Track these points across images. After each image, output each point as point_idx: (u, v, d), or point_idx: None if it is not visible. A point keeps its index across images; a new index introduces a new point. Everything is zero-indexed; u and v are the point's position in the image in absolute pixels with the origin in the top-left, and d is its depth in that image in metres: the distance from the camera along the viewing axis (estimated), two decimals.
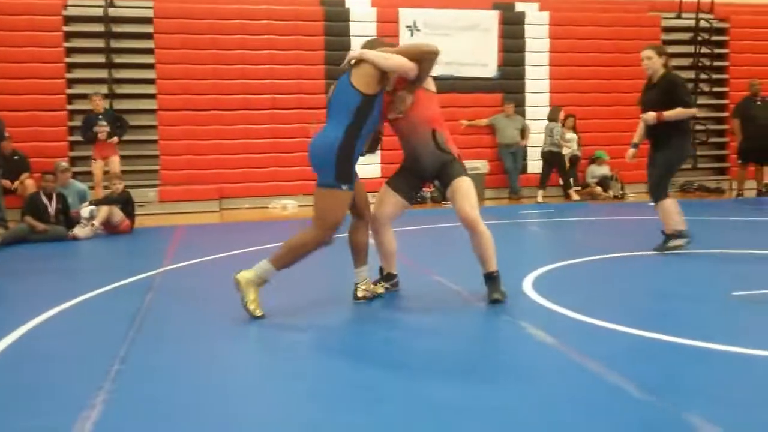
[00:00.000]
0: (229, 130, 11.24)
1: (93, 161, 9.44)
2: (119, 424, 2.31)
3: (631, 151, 6.16)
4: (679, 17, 13.46)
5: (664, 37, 13.11)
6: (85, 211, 7.70)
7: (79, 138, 10.15)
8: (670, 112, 5.45)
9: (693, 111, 5.69)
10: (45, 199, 7.55)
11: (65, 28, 10.97)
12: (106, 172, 9.22)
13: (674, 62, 13.20)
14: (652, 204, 5.92)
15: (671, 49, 13.18)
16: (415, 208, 10.95)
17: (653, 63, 5.65)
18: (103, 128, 9.30)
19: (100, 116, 9.44)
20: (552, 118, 11.39)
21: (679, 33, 13.43)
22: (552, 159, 11.29)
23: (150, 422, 2.32)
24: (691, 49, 13.36)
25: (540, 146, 11.68)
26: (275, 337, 3.46)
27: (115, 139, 9.47)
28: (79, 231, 7.54)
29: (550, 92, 12.53)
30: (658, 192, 5.76)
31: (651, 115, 5.54)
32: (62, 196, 7.78)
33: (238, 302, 3.76)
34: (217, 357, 3.14)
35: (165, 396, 2.58)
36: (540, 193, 11.22)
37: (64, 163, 8.54)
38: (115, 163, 9.43)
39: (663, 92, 5.56)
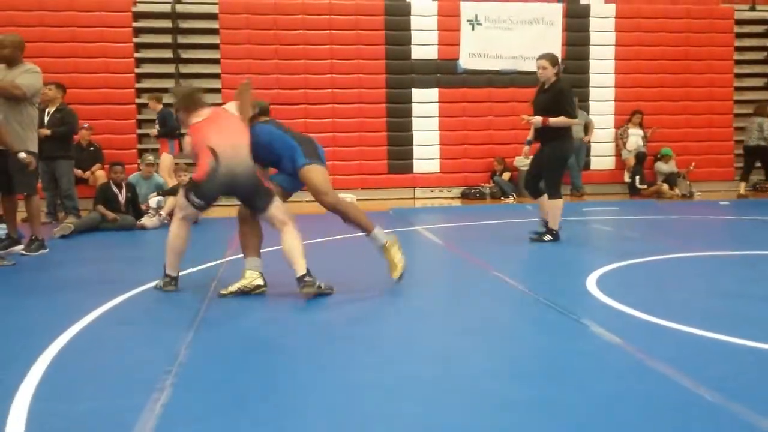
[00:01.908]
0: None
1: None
2: (189, 406, 2.37)
3: (526, 148, 6.74)
4: (753, 9, 12.94)
5: (737, 29, 12.63)
6: (153, 201, 7.95)
7: (147, 131, 10.53)
8: (555, 119, 6.05)
9: (575, 121, 6.39)
10: (115, 189, 7.82)
11: (134, 24, 11.33)
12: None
13: (747, 56, 12.77)
14: (535, 198, 6.52)
15: (744, 42, 12.71)
16: (475, 203, 10.90)
17: (547, 72, 6.20)
18: (154, 128, 9.81)
19: (158, 116, 9.86)
20: (760, 113, 11.17)
21: (753, 26, 12.91)
22: (758, 152, 11.08)
23: (219, 404, 2.37)
24: (765, 42, 12.82)
25: (604, 142, 11.42)
26: (337, 320, 3.49)
27: (154, 133, 9.82)
28: (147, 221, 7.78)
29: (615, 87, 12.23)
30: (553, 190, 6.30)
31: (538, 119, 6.14)
32: (132, 186, 8.04)
33: (299, 290, 3.87)
34: (283, 342, 3.19)
35: (233, 379, 2.64)
36: (742, 185, 11.17)
37: (151, 157, 8.87)
38: (164, 160, 9.74)
39: (551, 99, 6.12)
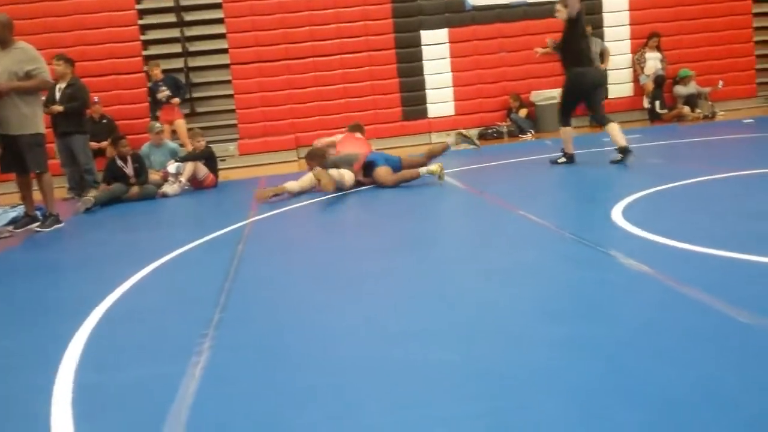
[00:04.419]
0: (299, 79, 11.29)
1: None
2: (228, 368, 2.42)
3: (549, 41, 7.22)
4: None
5: None
6: (172, 167, 7.97)
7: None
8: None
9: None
10: (120, 163, 7.80)
11: None
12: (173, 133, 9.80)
13: None
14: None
15: None
16: (492, 143, 10.79)
17: (561, 15, 6.74)
18: (163, 92, 9.83)
19: (160, 82, 9.93)
20: None
21: None
22: None
23: (258, 365, 2.42)
24: None
25: (621, 69, 11.11)
26: (365, 279, 3.51)
27: (176, 100, 9.90)
28: (167, 188, 7.83)
29: (629, 10, 11.86)
30: (560, 117, 7.15)
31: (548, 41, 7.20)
32: (138, 156, 8.00)
33: (325, 247, 3.85)
34: (315, 296, 3.23)
35: (268, 340, 2.68)
36: None
37: (159, 125, 8.87)
38: (181, 126, 9.92)
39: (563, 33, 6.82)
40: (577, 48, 6.76)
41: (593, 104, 7.00)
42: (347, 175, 6.67)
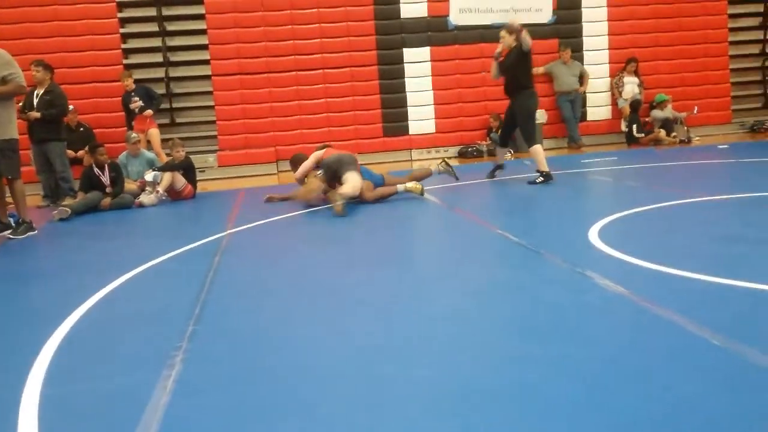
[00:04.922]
0: (280, 93, 11.29)
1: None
2: (200, 381, 2.38)
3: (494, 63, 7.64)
4: None
5: None
6: (150, 176, 7.89)
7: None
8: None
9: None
10: (98, 171, 7.71)
11: None
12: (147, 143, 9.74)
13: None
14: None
15: None
16: (473, 161, 10.85)
17: (506, 40, 7.41)
18: (136, 103, 9.80)
19: (133, 93, 9.89)
20: None
21: None
22: None
23: (230, 379, 2.38)
24: None
25: (599, 92, 11.26)
26: (341, 293, 3.49)
27: (149, 112, 9.85)
28: (144, 198, 7.75)
29: (608, 35, 12.06)
30: (530, 140, 7.36)
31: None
32: (115, 166, 7.93)
33: (303, 261, 3.82)
34: (292, 310, 3.19)
35: (242, 353, 2.64)
36: None
37: (135, 135, 8.78)
38: (154, 135, 9.85)
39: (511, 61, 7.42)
40: (530, 72, 7.40)
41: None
42: (354, 184, 6.37)
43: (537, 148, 7.27)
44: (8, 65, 5.78)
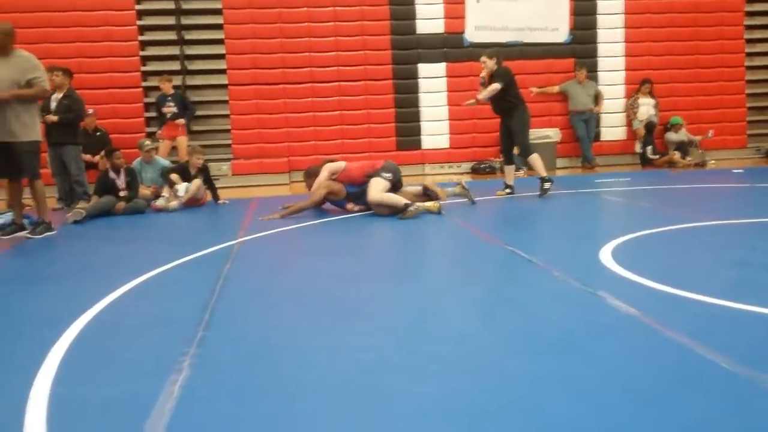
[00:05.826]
0: (296, 104, 11.34)
1: (160, 140, 9.82)
2: (207, 387, 2.38)
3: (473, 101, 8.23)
4: None
5: None
6: (182, 188, 7.91)
7: (154, 114, 10.55)
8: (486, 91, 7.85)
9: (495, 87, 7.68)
10: (113, 175, 7.77)
11: (137, 7, 11.24)
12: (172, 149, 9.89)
13: (757, 20, 12.50)
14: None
15: (755, 6, 12.48)
16: (486, 178, 10.84)
17: (488, 64, 7.88)
18: (170, 108, 9.89)
19: (169, 97, 10.00)
20: None
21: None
22: None
23: (236, 387, 2.38)
24: None
25: (614, 112, 11.23)
26: (348, 304, 3.49)
27: (181, 121, 9.94)
28: (166, 203, 7.79)
29: (624, 56, 12.05)
30: (527, 150, 7.85)
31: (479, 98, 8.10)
32: (131, 170, 7.98)
33: (311, 272, 3.82)
34: (298, 321, 3.19)
35: (248, 361, 2.64)
36: None
37: (149, 142, 8.83)
38: (183, 143, 9.92)
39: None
40: (517, 90, 7.84)
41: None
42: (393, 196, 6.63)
43: (534, 157, 7.64)
44: (35, 69, 5.89)
